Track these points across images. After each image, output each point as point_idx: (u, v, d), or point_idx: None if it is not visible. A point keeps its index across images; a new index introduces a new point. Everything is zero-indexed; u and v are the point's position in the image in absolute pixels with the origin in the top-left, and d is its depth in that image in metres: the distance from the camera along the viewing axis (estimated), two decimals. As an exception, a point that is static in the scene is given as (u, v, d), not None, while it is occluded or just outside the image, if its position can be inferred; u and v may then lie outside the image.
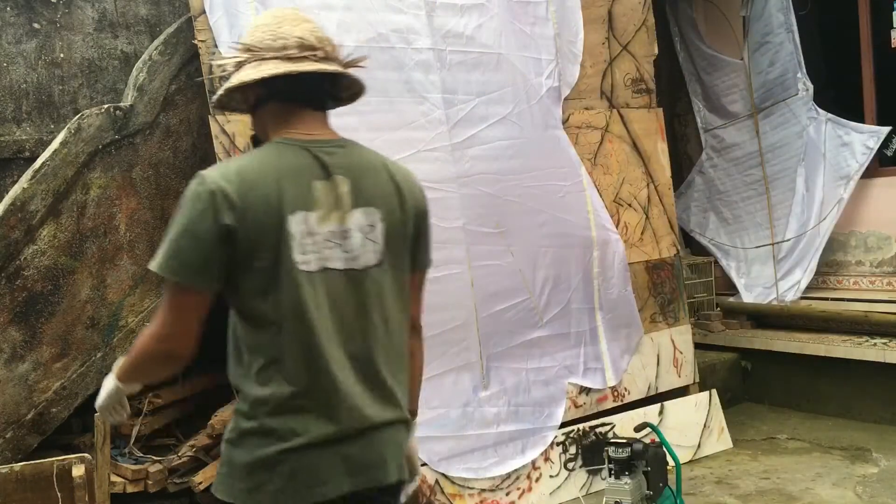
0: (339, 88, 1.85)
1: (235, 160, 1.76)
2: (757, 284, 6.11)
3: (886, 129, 5.47)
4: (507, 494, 3.98)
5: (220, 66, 1.81)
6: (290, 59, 1.70)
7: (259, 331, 1.66)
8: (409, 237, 1.80)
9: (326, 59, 1.74)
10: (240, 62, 1.74)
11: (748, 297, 6.09)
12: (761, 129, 6.10)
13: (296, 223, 1.63)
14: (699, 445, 4.67)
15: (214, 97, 1.85)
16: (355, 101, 1.93)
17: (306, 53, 1.71)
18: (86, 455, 2.48)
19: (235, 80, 1.72)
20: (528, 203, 4.19)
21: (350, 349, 1.69)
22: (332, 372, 1.66)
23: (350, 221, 1.69)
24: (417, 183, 1.87)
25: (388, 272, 1.74)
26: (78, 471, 2.40)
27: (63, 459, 2.41)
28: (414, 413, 1.94)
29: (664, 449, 3.42)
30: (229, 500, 1.67)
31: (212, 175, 1.63)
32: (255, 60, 1.71)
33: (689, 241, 6.68)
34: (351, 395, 1.68)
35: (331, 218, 1.67)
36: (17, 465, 2.32)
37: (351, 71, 1.79)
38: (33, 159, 3.54)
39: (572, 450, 4.24)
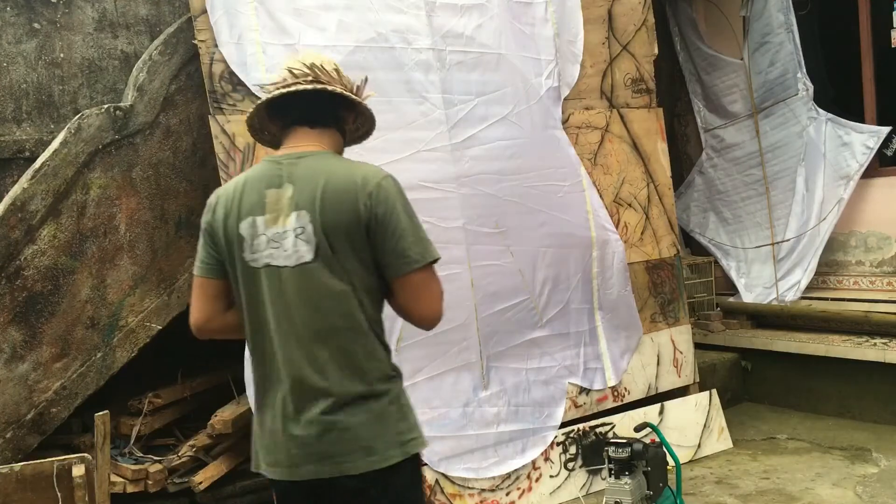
0: (340, 105, 2.08)
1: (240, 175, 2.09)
2: (757, 284, 6.11)
3: (886, 129, 5.47)
4: (507, 494, 3.98)
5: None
6: (281, 87, 2.02)
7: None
8: (354, 239, 1.90)
9: (317, 81, 2.01)
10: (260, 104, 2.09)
11: (748, 297, 6.09)
12: (761, 129, 6.10)
13: (245, 227, 1.95)
14: (699, 445, 4.67)
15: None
16: (363, 132, 2.26)
17: (298, 80, 2.01)
18: (86, 455, 2.48)
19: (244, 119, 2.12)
20: (527, 203, 4.19)
21: (289, 336, 1.92)
22: (276, 358, 1.93)
23: (287, 224, 1.92)
24: (358, 189, 1.91)
25: (326, 268, 1.90)
26: (78, 471, 2.40)
27: (63, 459, 2.40)
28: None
29: (664, 449, 3.42)
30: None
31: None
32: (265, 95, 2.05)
33: (689, 241, 6.68)
34: (288, 378, 1.92)
35: (277, 221, 1.93)
36: (17, 465, 2.32)
37: (330, 88, 2.02)
38: (33, 159, 3.55)
39: (572, 450, 4.24)
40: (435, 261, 1.94)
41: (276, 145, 2.13)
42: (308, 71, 2.01)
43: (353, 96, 2.07)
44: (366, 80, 2.13)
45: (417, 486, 2.05)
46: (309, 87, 1.99)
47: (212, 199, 2.06)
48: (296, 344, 1.91)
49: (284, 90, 2.00)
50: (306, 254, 1.89)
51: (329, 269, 1.89)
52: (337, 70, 2.08)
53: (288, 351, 1.91)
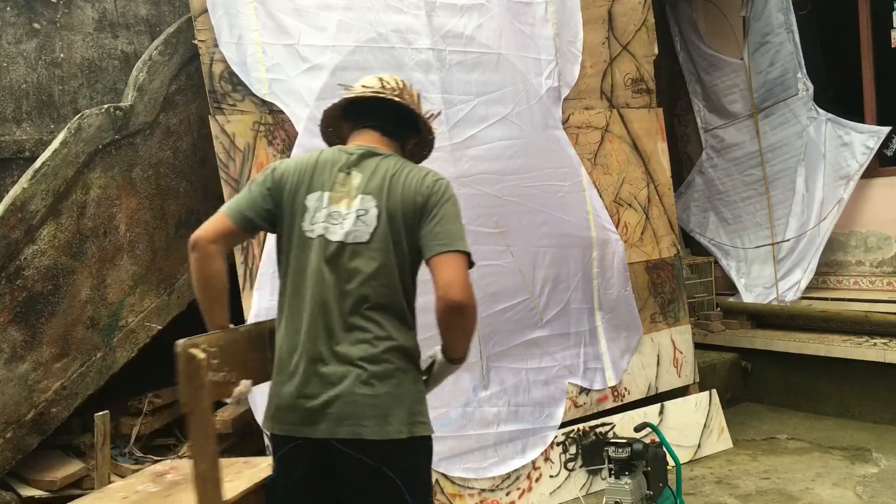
0: (410, 127, 2.34)
1: (305, 153, 2.32)
2: (757, 284, 6.11)
3: (886, 129, 5.47)
4: (507, 494, 3.98)
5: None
6: (370, 90, 2.26)
7: (281, 279, 2.19)
8: (408, 224, 2.13)
9: (401, 98, 2.27)
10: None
11: (748, 297, 6.09)
12: (761, 129, 6.10)
13: (312, 199, 2.16)
14: (699, 445, 4.67)
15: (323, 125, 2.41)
16: (417, 156, 2.42)
17: (386, 90, 2.27)
18: None
19: (325, 107, 2.35)
20: (527, 203, 4.19)
21: (327, 306, 2.09)
22: (309, 318, 2.09)
23: (352, 206, 2.14)
24: (420, 184, 2.16)
25: (379, 250, 2.11)
26: None
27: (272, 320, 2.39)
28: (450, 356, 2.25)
29: (664, 449, 3.42)
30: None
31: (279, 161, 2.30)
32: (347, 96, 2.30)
33: (689, 241, 6.68)
34: (313, 341, 2.08)
35: (341, 201, 2.14)
36: (243, 326, 2.39)
37: (413, 107, 2.30)
38: (33, 159, 3.54)
39: (572, 450, 4.24)
40: (463, 252, 2.10)
41: (336, 141, 2.37)
42: (396, 86, 2.28)
43: (429, 123, 2.35)
44: (439, 113, 2.45)
45: None
46: (397, 99, 2.26)
47: (279, 165, 2.24)
48: (326, 312, 2.08)
49: (375, 93, 2.24)
50: (363, 235, 2.11)
51: (381, 251, 2.11)
52: (419, 97, 2.37)
53: (314, 319, 2.09)
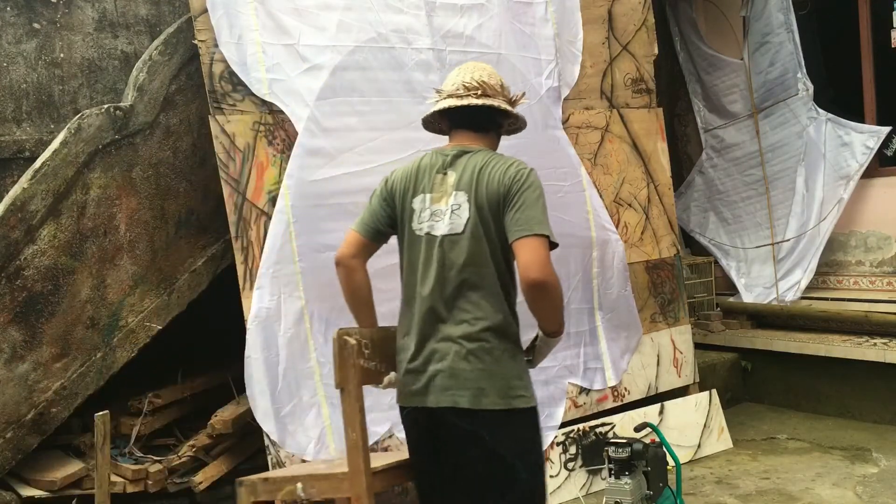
0: (500, 114, 2.55)
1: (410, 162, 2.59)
2: (757, 284, 6.11)
3: (886, 129, 5.47)
4: (507, 494, 3.97)
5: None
6: (455, 97, 2.50)
7: (400, 274, 2.53)
8: (495, 214, 2.37)
9: (485, 95, 2.49)
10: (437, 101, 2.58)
11: (748, 297, 6.09)
12: (761, 129, 6.10)
13: (417, 202, 2.47)
14: (699, 445, 4.67)
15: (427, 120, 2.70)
16: (515, 128, 2.69)
17: (469, 93, 2.49)
18: None
19: (427, 114, 2.65)
20: (528, 203, 4.18)
21: (433, 293, 2.39)
22: (419, 305, 2.42)
23: (448, 202, 2.42)
24: (503, 175, 2.38)
25: (471, 238, 2.37)
26: None
27: None
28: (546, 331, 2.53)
29: (664, 449, 3.42)
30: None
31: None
32: (441, 99, 2.56)
33: (689, 241, 6.68)
34: (421, 326, 2.41)
35: (441, 200, 2.43)
36: (392, 326, 2.65)
37: (495, 104, 2.49)
38: (33, 159, 3.55)
39: (572, 450, 4.24)
40: (541, 235, 2.32)
41: (445, 130, 2.65)
42: (478, 86, 2.49)
43: (511, 109, 2.54)
44: (523, 94, 2.62)
45: None
46: (478, 101, 2.47)
47: (389, 176, 2.58)
48: (433, 299, 2.38)
49: (457, 103, 2.47)
50: (458, 227, 2.38)
51: (474, 239, 2.37)
52: (501, 84, 2.56)
53: (423, 305, 2.40)
